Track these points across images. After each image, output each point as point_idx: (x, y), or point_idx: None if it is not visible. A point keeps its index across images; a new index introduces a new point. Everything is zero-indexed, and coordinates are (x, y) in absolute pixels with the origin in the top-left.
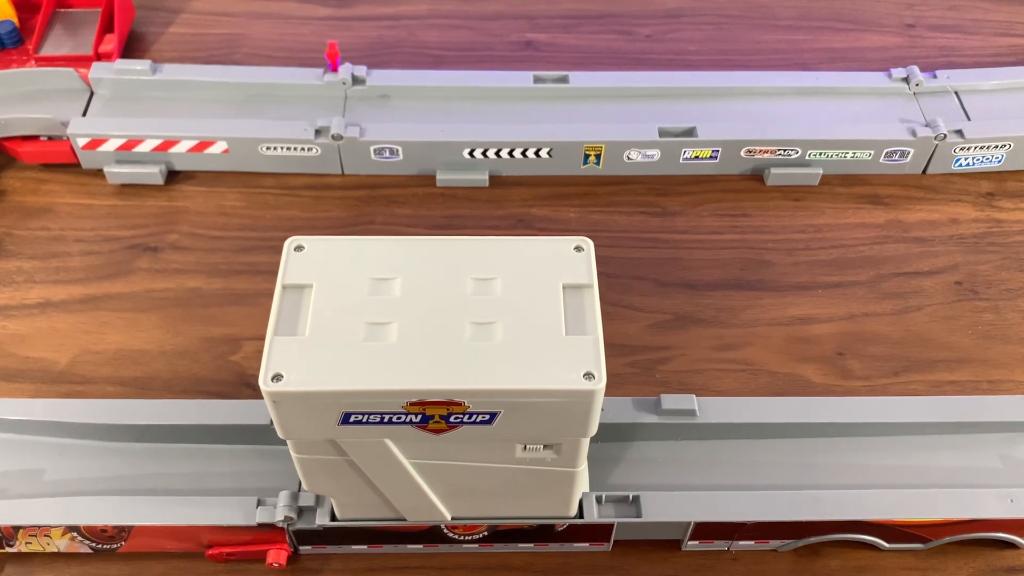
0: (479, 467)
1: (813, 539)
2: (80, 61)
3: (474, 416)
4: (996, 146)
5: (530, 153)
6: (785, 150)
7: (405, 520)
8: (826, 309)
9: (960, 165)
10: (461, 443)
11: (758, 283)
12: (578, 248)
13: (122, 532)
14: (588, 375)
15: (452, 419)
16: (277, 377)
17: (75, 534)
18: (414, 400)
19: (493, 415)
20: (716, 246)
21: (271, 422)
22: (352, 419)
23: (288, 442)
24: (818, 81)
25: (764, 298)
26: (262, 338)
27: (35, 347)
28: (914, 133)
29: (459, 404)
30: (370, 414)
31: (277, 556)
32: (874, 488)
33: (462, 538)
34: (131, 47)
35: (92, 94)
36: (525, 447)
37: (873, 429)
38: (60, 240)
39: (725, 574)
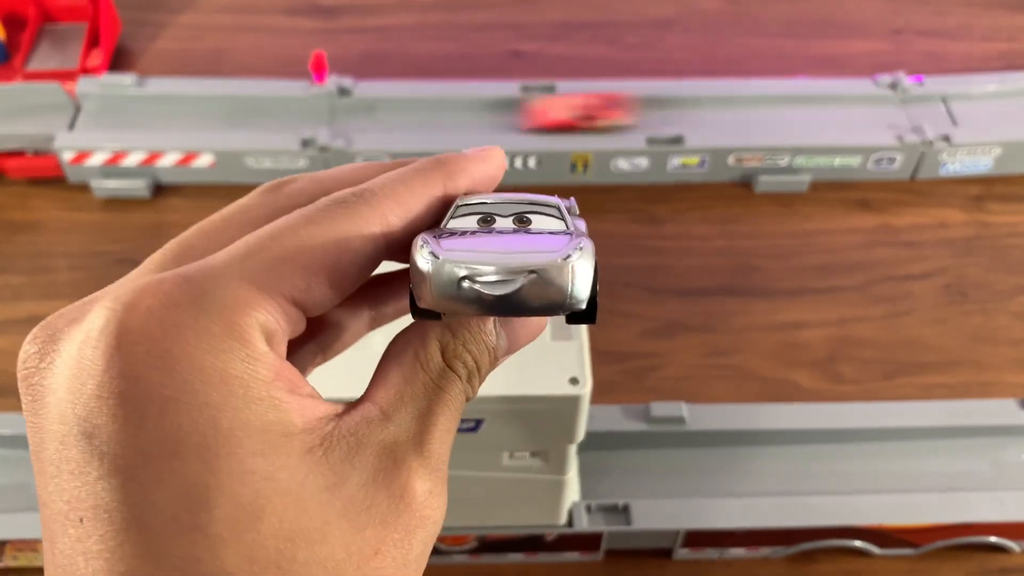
0: (466, 476)
1: (805, 545)
2: (67, 76)
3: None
4: (983, 151)
5: (518, 162)
6: (773, 157)
7: None
8: (816, 314)
9: (948, 170)
10: None
11: (748, 289)
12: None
13: None
14: (573, 380)
15: None
16: None
17: None
18: None
19: (478, 422)
20: (706, 253)
21: None
22: None
23: None
24: (805, 88)
25: (754, 304)
26: None
27: None
28: (901, 139)
29: None
30: None
31: None
32: (865, 493)
33: (451, 550)
34: (118, 61)
35: (78, 108)
36: (511, 455)
37: (864, 435)
38: (47, 255)
39: None
